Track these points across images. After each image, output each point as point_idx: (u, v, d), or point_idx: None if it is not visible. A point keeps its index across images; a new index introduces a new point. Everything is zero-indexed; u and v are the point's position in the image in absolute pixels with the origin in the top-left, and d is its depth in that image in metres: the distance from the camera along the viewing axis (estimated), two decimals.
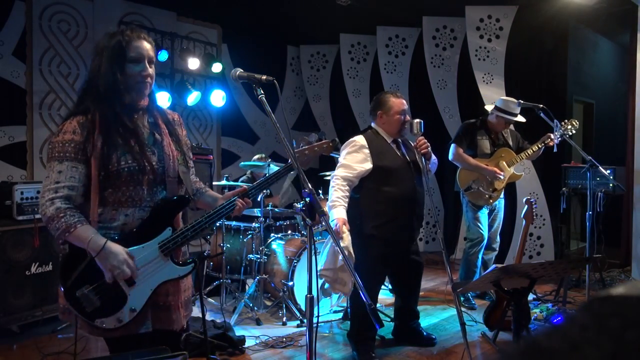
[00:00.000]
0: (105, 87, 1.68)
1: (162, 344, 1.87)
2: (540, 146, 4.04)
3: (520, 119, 4.14)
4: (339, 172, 3.01)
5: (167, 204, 1.76)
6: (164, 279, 1.72)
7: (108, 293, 1.64)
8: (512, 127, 4.43)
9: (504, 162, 4.11)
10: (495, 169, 4.05)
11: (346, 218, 2.89)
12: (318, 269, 2.96)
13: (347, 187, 2.98)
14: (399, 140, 3.14)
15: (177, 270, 1.75)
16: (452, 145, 4.19)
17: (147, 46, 1.72)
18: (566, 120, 4.00)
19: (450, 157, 4.17)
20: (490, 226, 4.33)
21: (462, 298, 4.32)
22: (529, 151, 4.09)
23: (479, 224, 4.21)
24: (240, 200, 1.83)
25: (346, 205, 2.95)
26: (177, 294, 1.80)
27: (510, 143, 4.26)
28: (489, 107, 4.28)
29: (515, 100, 4.09)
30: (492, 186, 4.12)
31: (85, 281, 1.63)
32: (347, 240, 2.88)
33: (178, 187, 1.81)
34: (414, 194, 3.00)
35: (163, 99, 5.44)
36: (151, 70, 1.74)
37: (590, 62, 6.86)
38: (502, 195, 4.32)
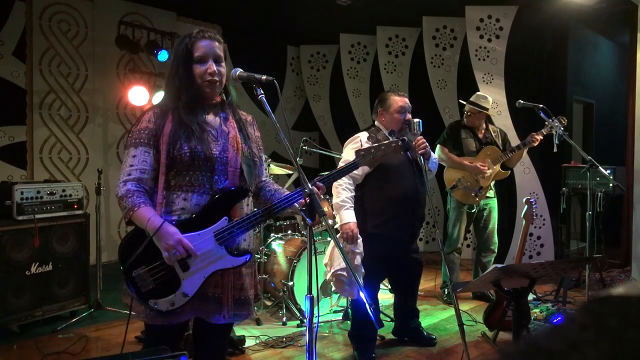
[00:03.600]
0: (178, 86, 1.81)
1: (204, 338, 1.94)
2: (525, 144, 4.07)
3: (490, 111, 4.32)
4: None
5: (225, 193, 1.79)
6: (218, 267, 1.76)
7: (162, 276, 1.71)
8: (494, 126, 4.50)
9: (489, 160, 4.15)
10: (478, 164, 4.09)
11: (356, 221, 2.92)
12: (332, 270, 2.98)
13: (353, 187, 2.99)
14: (402, 139, 3.12)
15: (232, 261, 1.78)
16: (438, 146, 4.27)
17: (212, 44, 1.81)
18: (555, 118, 3.98)
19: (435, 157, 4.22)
20: (484, 228, 4.34)
21: (445, 292, 4.36)
22: (515, 148, 4.15)
23: (458, 231, 4.26)
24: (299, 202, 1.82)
25: (354, 205, 2.97)
26: (225, 287, 1.82)
27: (497, 141, 4.31)
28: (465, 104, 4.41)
29: (487, 96, 4.29)
30: (478, 184, 4.15)
31: (141, 262, 1.71)
32: (360, 245, 2.91)
33: (240, 179, 1.85)
34: (415, 193, 3.00)
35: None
36: (219, 68, 1.81)
37: (590, 62, 6.86)
38: (493, 195, 4.35)
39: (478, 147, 4.23)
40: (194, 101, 1.82)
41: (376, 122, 3.19)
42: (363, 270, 2.92)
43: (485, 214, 4.31)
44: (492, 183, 4.34)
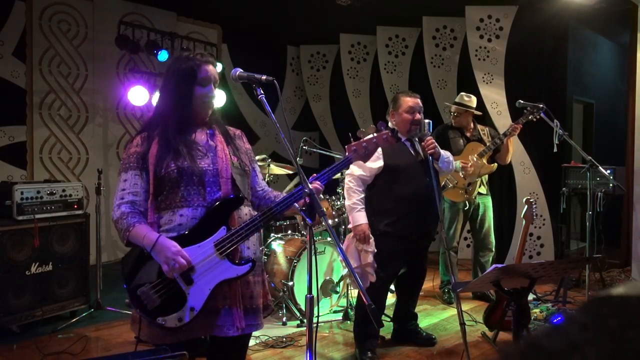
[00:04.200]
0: (173, 104, 1.84)
1: (221, 354, 1.92)
2: (506, 134, 4.10)
3: (476, 111, 4.33)
4: (353, 170, 3.02)
5: (221, 203, 1.80)
6: (222, 278, 1.76)
7: (167, 292, 1.71)
8: (483, 125, 4.50)
9: (473, 155, 4.18)
10: (461, 162, 4.11)
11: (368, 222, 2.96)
12: (341, 272, 3.02)
13: (362, 188, 3.02)
14: (414, 139, 3.13)
15: (235, 270, 1.77)
16: None
17: (213, 70, 1.89)
18: (533, 107, 3.99)
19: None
20: (480, 227, 4.35)
21: (445, 292, 4.37)
22: (496, 140, 4.16)
23: (453, 230, 4.28)
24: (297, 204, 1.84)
25: (364, 206, 2.99)
26: (234, 298, 1.81)
27: (485, 138, 4.33)
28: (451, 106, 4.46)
29: (471, 95, 4.34)
30: (465, 181, 4.18)
31: (145, 280, 1.72)
32: (372, 244, 2.94)
33: (233, 189, 1.86)
34: (426, 192, 3.00)
35: None
36: (215, 92, 1.89)
37: (590, 62, 6.86)
38: (486, 192, 4.36)
39: (466, 145, 4.26)
40: (184, 120, 1.84)
41: (389, 124, 3.21)
42: (376, 266, 2.94)
43: (480, 213, 4.32)
44: (485, 180, 4.36)
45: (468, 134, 4.31)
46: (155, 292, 1.71)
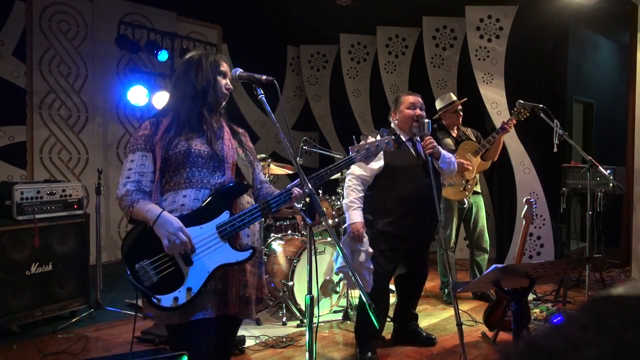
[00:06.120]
0: (202, 88, 1.91)
1: (222, 329, 1.94)
2: (498, 132, 4.15)
3: (460, 99, 4.35)
4: (354, 169, 3.04)
5: (227, 188, 1.85)
6: (222, 262, 1.78)
7: (166, 269, 1.73)
8: (465, 127, 4.52)
9: (469, 153, 4.20)
10: (461, 159, 4.13)
11: (363, 221, 2.97)
12: (336, 266, 3.02)
13: (361, 187, 3.03)
14: (416, 139, 3.14)
15: (235, 255, 1.80)
16: None
17: (227, 67, 2.01)
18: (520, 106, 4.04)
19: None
20: (474, 227, 4.37)
21: (445, 292, 4.37)
22: (490, 138, 4.19)
23: (449, 231, 4.29)
24: (297, 189, 1.87)
25: (362, 206, 3.01)
26: (230, 281, 1.84)
27: (472, 138, 4.38)
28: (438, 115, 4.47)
29: (451, 94, 4.39)
30: (463, 178, 4.20)
31: (144, 255, 1.73)
32: (366, 243, 2.94)
33: (236, 176, 1.92)
34: (426, 192, 3.00)
35: (164, 99, 5.45)
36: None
37: (590, 62, 6.86)
38: (479, 190, 4.39)
39: (456, 146, 4.29)
40: (217, 102, 1.94)
41: (392, 125, 3.23)
42: (371, 266, 2.94)
43: (473, 213, 4.35)
44: (477, 177, 4.38)
45: (454, 134, 4.35)
46: (153, 268, 1.71)
